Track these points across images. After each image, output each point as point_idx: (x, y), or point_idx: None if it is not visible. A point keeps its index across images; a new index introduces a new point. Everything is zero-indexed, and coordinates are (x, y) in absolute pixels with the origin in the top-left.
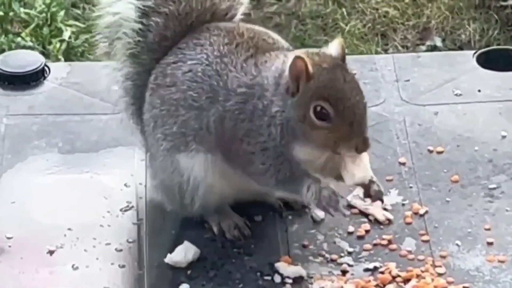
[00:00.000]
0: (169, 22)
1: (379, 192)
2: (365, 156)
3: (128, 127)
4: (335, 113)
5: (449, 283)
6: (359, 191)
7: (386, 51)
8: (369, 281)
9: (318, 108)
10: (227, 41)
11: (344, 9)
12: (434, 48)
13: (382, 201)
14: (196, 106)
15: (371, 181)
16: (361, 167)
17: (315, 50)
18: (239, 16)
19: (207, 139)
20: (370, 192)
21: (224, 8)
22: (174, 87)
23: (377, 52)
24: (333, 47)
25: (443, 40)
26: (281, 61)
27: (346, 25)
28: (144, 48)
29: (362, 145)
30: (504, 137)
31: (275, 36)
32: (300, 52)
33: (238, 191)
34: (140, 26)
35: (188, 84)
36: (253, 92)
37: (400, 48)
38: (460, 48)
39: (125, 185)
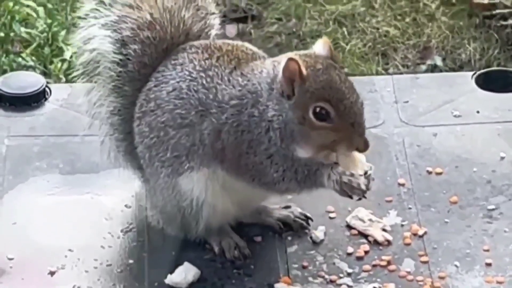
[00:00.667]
0: (146, 48)
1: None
2: (361, 156)
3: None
4: (336, 114)
5: None
6: (358, 212)
7: (386, 71)
8: None
9: (318, 109)
10: (206, 56)
11: (344, 29)
12: (434, 68)
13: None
14: (186, 123)
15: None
16: (355, 164)
17: (305, 51)
18: (212, 37)
19: (201, 154)
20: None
21: (197, 30)
22: (160, 110)
23: (377, 72)
24: (320, 47)
25: (444, 59)
26: (271, 66)
27: (347, 44)
28: (126, 78)
29: (363, 145)
30: (502, 158)
31: (252, 47)
32: (292, 54)
33: (240, 205)
34: (119, 57)
35: (174, 102)
36: (246, 102)
37: (400, 67)
38: (461, 67)
39: (126, 206)
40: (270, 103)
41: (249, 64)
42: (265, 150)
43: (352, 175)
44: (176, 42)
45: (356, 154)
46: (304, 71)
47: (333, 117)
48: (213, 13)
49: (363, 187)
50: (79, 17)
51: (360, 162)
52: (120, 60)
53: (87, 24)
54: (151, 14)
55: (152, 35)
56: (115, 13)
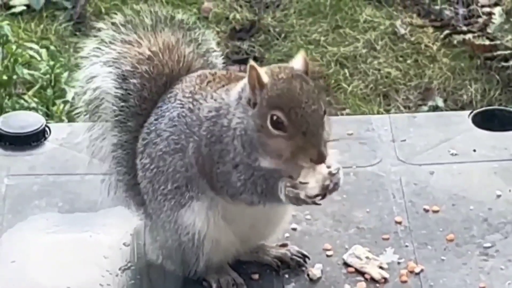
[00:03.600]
0: (145, 82)
1: (335, 184)
2: (322, 167)
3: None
4: (289, 122)
5: None
6: (355, 250)
7: (388, 112)
8: None
9: (274, 118)
10: (198, 81)
11: (346, 70)
12: (436, 109)
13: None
14: (179, 148)
15: (331, 174)
16: (315, 178)
17: (280, 64)
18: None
19: (196, 179)
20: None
21: (198, 67)
22: (159, 139)
23: (378, 112)
24: (297, 61)
25: (445, 101)
26: (246, 78)
27: (349, 85)
28: (128, 113)
29: (316, 156)
30: (499, 196)
31: None
32: (253, 62)
33: (242, 239)
34: (121, 91)
35: (169, 130)
36: (221, 113)
37: (402, 108)
38: (462, 108)
39: (124, 244)
40: (237, 111)
41: (238, 82)
42: (232, 160)
43: (301, 187)
44: (177, 77)
45: (321, 170)
46: (264, 78)
47: (286, 126)
48: (214, 51)
49: (312, 194)
50: (82, 57)
51: (323, 170)
52: (122, 94)
53: (89, 63)
54: (150, 49)
55: (150, 69)
56: (116, 50)
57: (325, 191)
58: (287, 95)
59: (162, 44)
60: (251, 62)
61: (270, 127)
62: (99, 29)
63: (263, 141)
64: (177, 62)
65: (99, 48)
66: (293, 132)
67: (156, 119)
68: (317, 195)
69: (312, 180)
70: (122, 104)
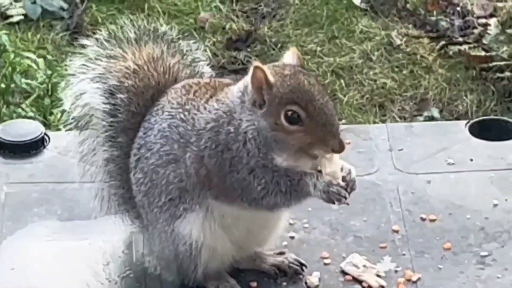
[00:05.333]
0: (132, 97)
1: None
2: (337, 157)
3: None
4: (307, 115)
5: None
6: (352, 258)
7: (383, 122)
8: None
9: (289, 113)
10: (184, 92)
11: (342, 80)
12: (431, 119)
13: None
14: (172, 159)
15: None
16: (337, 169)
17: (275, 63)
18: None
19: (190, 190)
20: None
21: (186, 77)
22: (149, 153)
23: (374, 123)
24: (289, 57)
25: (441, 111)
26: (242, 82)
27: (345, 96)
28: (118, 128)
29: (337, 146)
30: (495, 205)
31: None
32: (258, 63)
33: (238, 246)
34: (109, 106)
35: (160, 142)
36: (222, 122)
37: (398, 119)
38: (458, 119)
39: (123, 251)
40: (243, 115)
41: (224, 90)
42: (246, 165)
43: (337, 183)
44: (164, 89)
45: (337, 158)
46: (270, 78)
47: (304, 119)
48: (200, 60)
49: (346, 194)
50: (69, 74)
51: (341, 165)
52: (110, 109)
53: (77, 80)
54: (135, 63)
55: (137, 83)
56: (102, 65)
57: (352, 183)
58: (300, 90)
59: (147, 56)
60: (256, 63)
61: (285, 123)
62: (83, 46)
63: (280, 138)
64: (163, 74)
65: (85, 65)
66: (312, 125)
67: (144, 133)
68: (348, 195)
69: (337, 169)
70: (111, 119)
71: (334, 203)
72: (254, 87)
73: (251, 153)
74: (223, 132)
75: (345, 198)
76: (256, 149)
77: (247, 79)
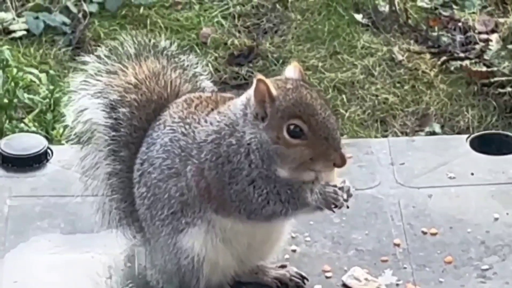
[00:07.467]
0: (134, 111)
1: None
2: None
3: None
4: (309, 129)
5: None
6: (354, 271)
7: (385, 138)
8: None
9: (292, 127)
10: (185, 106)
11: (344, 96)
12: (433, 134)
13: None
14: (173, 172)
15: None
16: (335, 178)
17: (277, 77)
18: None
19: (191, 203)
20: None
21: (187, 91)
22: (152, 167)
23: (376, 138)
24: (291, 71)
25: (442, 126)
26: (244, 96)
27: (346, 111)
28: (120, 143)
29: (339, 160)
30: (496, 219)
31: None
32: (260, 76)
33: (240, 260)
34: (111, 121)
35: (162, 156)
36: (224, 134)
37: (399, 134)
38: (459, 134)
39: (126, 265)
40: (246, 128)
41: (225, 103)
42: (247, 176)
43: (334, 185)
44: (166, 103)
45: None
46: (273, 91)
47: (306, 133)
48: (201, 74)
49: (344, 195)
50: (70, 91)
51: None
52: (112, 124)
53: (78, 97)
54: (136, 77)
55: (139, 97)
56: (102, 81)
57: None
58: (303, 104)
59: (148, 71)
60: (259, 76)
61: (287, 137)
62: (84, 63)
63: (281, 152)
64: (164, 88)
65: (86, 81)
66: (314, 139)
67: (147, 148)
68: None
69: (333, 177)
70: (114, 133)
71: (332, 207)
72: (257, 100)
73: (253, 164)
74: (225, 144)
75: (344, 200)
76: (260, 161)
77: (250, 92)
